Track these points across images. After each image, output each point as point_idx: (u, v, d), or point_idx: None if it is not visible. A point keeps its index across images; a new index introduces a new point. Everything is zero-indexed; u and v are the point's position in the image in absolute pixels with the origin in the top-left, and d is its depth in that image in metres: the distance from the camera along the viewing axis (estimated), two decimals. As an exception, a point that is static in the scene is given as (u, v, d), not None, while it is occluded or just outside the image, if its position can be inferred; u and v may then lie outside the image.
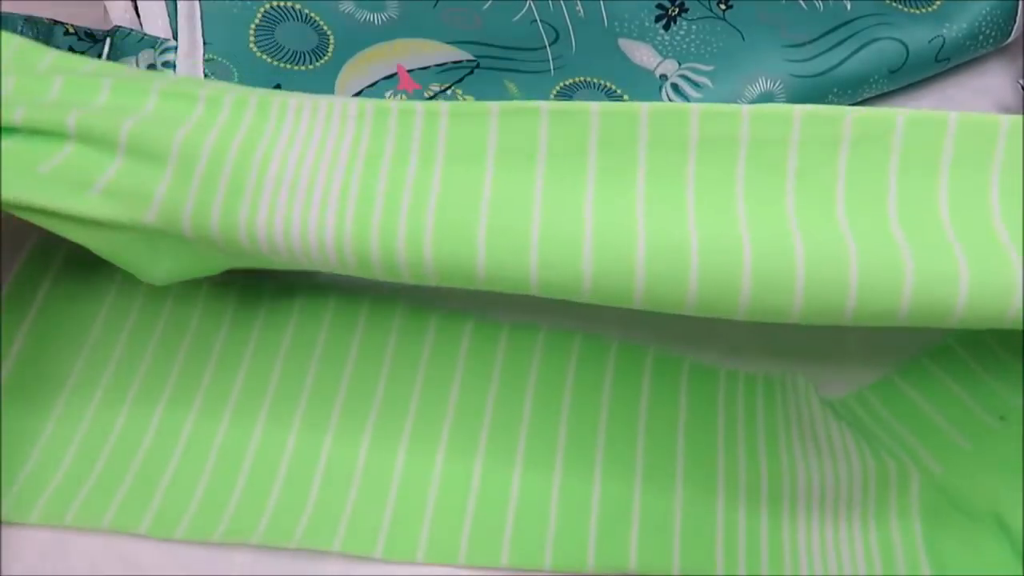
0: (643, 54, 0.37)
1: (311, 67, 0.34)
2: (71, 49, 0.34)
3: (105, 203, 0.26)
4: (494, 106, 0.25)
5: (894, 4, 0.37)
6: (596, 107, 0.25)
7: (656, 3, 0.37)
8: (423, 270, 0.25)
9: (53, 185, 0.26)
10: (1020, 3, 0.37)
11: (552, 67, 0.36)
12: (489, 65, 0.36)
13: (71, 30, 0.35)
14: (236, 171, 0.26)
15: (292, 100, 0.27)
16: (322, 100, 0.27)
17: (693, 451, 0.31)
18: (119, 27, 0.34)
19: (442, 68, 0.36)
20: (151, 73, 0.29)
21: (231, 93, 0.27)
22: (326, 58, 0.35)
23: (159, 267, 0.28)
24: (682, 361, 0.33)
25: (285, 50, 0.35)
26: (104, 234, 0.27)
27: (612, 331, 0.34)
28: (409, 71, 0.35)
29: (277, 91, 0.27)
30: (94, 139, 0.26)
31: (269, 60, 0.34)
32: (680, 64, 0.36)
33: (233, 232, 0.26)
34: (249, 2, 0.35)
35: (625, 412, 0.32)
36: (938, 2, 0.37)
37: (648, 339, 0.34)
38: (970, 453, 0.30)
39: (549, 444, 0.31)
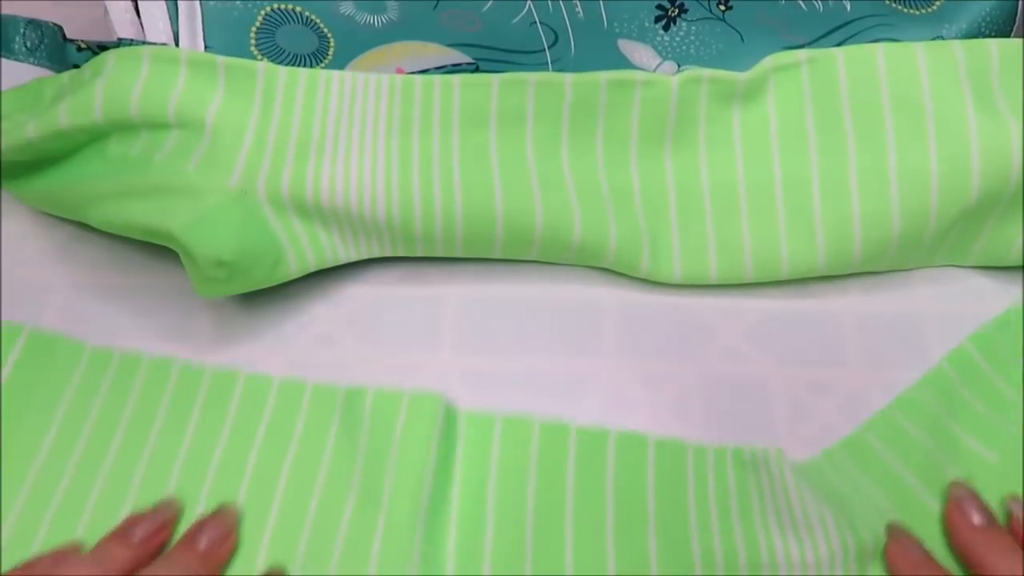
0: (642, 55, 0.37)
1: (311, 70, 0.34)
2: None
3: (200, 174, 0.32)
4: (495, 77, 0.34)
5: (894, 5, 0.37)
6: (569, 78, 0.33)
7: (656, 3, 0.37)
8: (454, 219, 0.33)
9: (162, 168, 0.32)
10: (1020, 3, 0.37)
11: (551, 70, 0.36)
12: (488, 68, 0.36)
13: (83, 46, 0.35)
14: (300, 142, 0.33)
15: (334, 76, 0.33)
16: (359, 77, 0.34)
17: (666, 536, 0.29)
18: (122, 39, 0.34)
19: (441, 71, 0.36)
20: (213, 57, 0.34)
21: (281, 70, 0.33)
22: (326, 61, 0.35)
23: (223, 240, 0.31)
24: (646, 439, 0.31)
25: (286, 53, 0.35)
26: (192, 203, 0.32)
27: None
28: (408, 75, 0.35)
29: (318, 70, 0.34)
30: (189, 123, 0.32)
31: (270, 63, 0.34)
32: (680, 66, 0.36)
33: (301, 193, 0.32)
34: (250, 4, 0.35)
35: (591, 498, 0.30)
36: (938, 3, 0.37)
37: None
38: (938, 516, 0.29)
39: (517, 538, 0.29)
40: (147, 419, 0.32)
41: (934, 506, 0.30)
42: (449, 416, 0.31)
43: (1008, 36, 0.37)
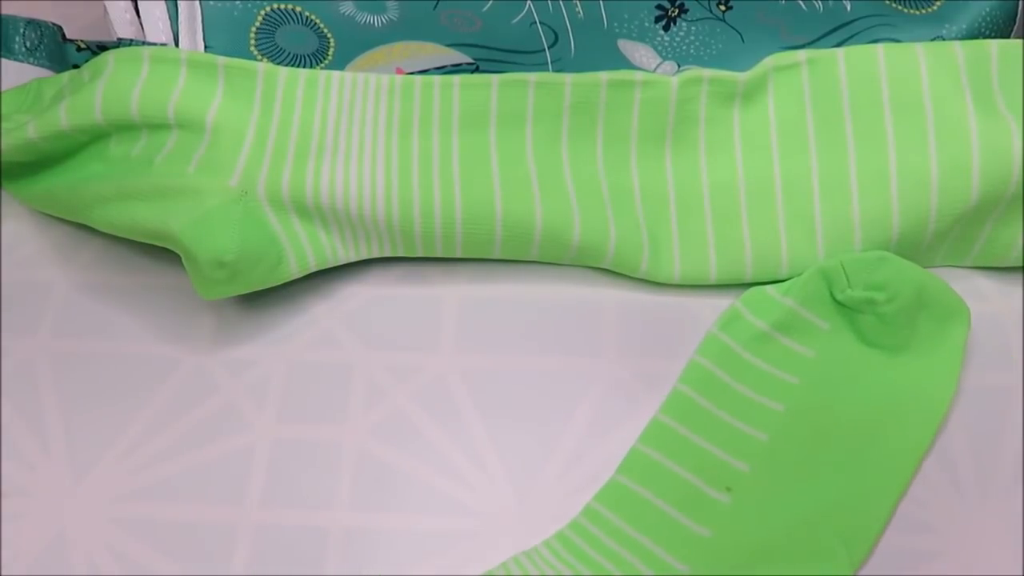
0: (643, 55, 0.37)
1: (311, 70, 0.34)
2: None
3: (201, 174, 0.32)
4: (494, 78, 0.34)
5: (894, 5, 0.37)
6: (569, 77, 0.34)
7: (656, 3, 0.37)
8: (453, 220, 0.33)
9: (162, 169, 0.32)
10: (1020, 3, 0.37)
11: (551, 70, 0.36)
12: (488, 68, 0.36)
13: (83, 46, 0.35)
14: (300, 142, 0.33)
15: (334, 77, 0.34)
16: (359, 77, 0.34)
17: None
18: (121, 39, 0.34)
19: (441, 71, 0.36)
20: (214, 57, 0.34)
21: (282, 71, 0.34)
22: (326, 61, 0.35)
23: (224, 240, 0.31)
24: None
25: (286, 53, 0.35)
26: (193, 204, 0.32)
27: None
28: (408, 75, 0.35)
29: (318, 70, 0.34)
30: (189, 124, 0.33)
31: (269, 63, 0.34)
32: (680, 66, 0.36)
33: (301, 193, 0.32)
34: (250, 4, 0.35)
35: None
36: (938, 3, 0.37)
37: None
38: (710, 541, 0.28)
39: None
40: None
41: (704, 532, 0.28)
42: None
43: (1008, 36, 0.37)
